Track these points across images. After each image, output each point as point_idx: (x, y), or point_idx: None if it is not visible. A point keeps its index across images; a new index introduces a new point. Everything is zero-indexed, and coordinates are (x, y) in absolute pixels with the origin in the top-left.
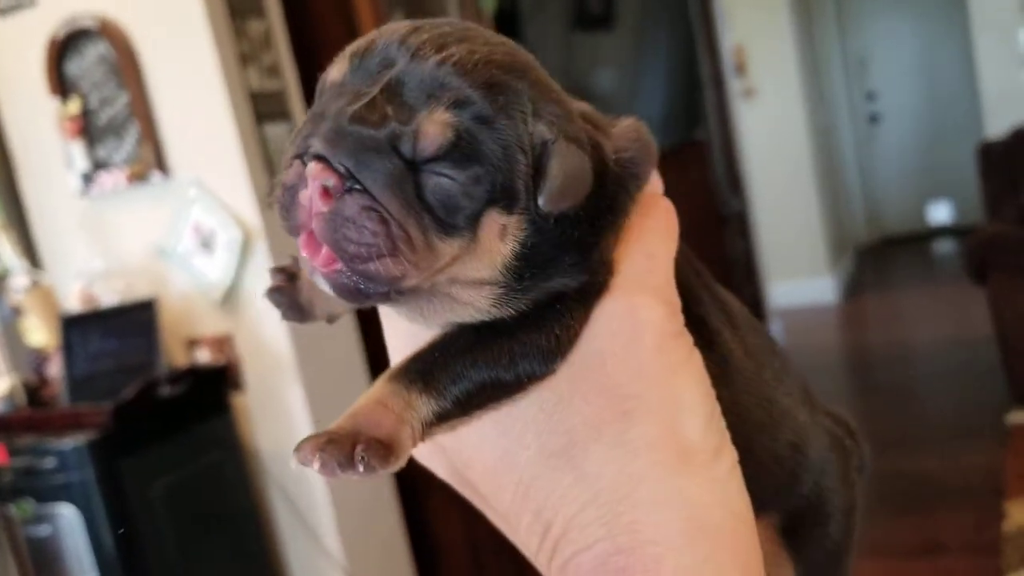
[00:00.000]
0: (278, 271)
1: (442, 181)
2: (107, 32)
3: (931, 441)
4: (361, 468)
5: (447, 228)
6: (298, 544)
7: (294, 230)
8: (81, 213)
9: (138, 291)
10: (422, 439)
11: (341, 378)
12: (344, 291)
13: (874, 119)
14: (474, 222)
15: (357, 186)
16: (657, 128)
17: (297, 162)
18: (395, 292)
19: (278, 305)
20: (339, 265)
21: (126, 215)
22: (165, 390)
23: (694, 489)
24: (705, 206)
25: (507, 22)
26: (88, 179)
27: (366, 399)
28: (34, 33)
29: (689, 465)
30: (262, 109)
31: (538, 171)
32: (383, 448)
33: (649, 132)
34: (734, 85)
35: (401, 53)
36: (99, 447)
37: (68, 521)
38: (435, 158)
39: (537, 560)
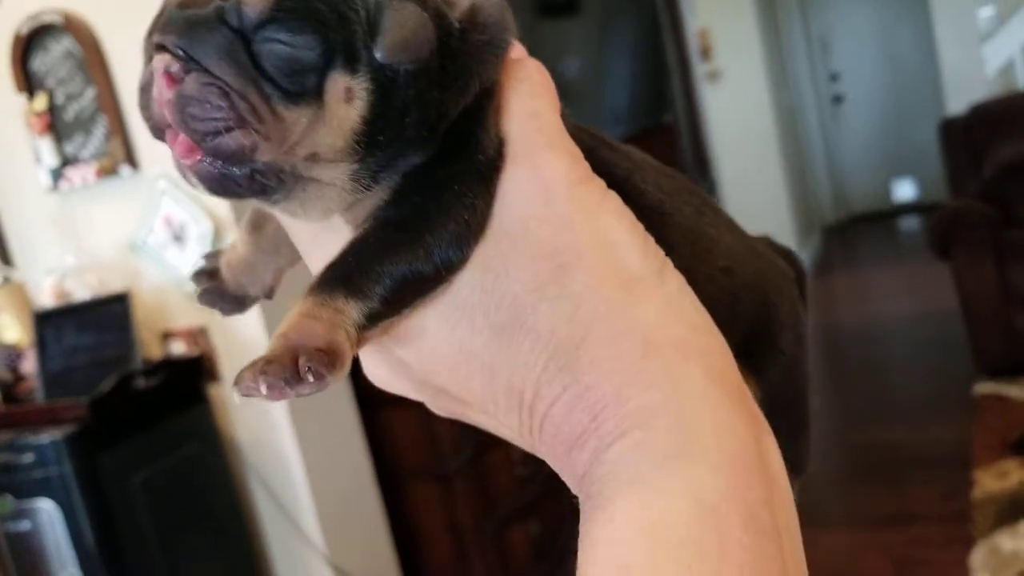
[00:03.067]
0: (198, 275)
1: (275, 47)
2: (72, 27)
3: (900, 413)
4: (311, 378)
5: (290, 96)
6: (279, 533)
7: (157, 131)
8: (51, 209)
9: (111, 285)
10: (358, 344)
11: None
12: (210, 180)
13: (838, 100)
14: (318, 87)
15: (196, 66)
16: (625, 114)
17: (147, 65)
18: (259, 175)
19: (212, 305)
20: (199, 154)
21: (97, 210)
22: (141, 383)
23: (647, 313)
24: None
25: None
26: (57, 175)
27: (292, 316)
28: None
29: (635, 292)
30: None
31: (373, 28)
32: (325, 355)
33: (507, 9)
34: (699, 69)
35: None
36: (77, 441)
37: (47, 516)
38: (262, 23)
39: (522, 439)
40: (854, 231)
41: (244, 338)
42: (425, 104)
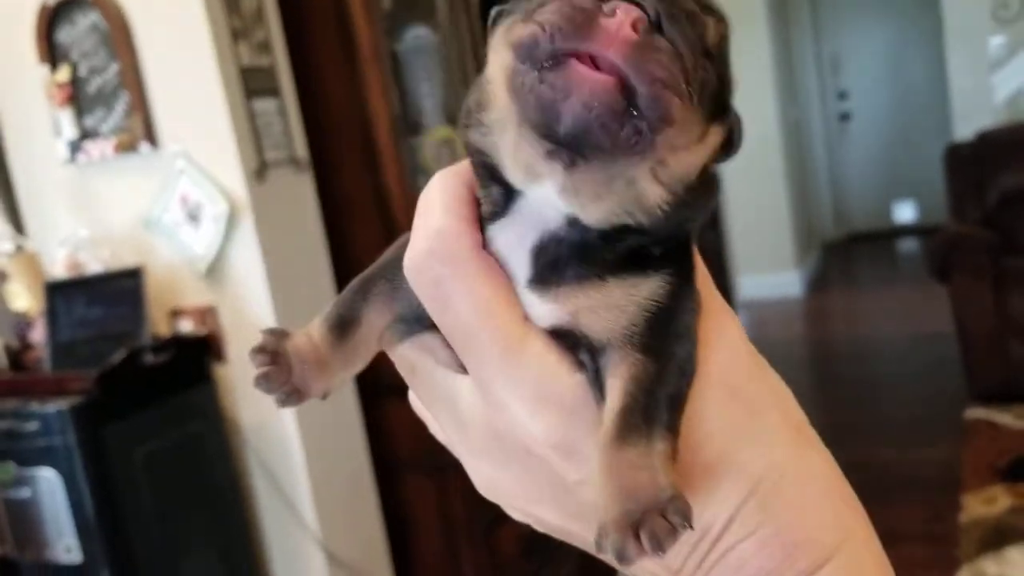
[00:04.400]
0: (260, 352)
1: (709, 75)
2: (100, 2)
3: (891, 433)
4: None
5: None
6: (275, 515)
7: (559, 52)
8: (67, 181)
9: (123, 260)
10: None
11: None
12: (602, 114)
13: (845, 118)
14: (709, 123)
15: (662, 37)
16: None
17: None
18: (620, 139)
19: (269, 391)
20: (614, 88)
21: (113, 185)
22: (149, 358)
23: (817, 461)
24: None
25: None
26: (75, 147)
27: (613, 472)
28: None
29: (806, 439)
30: (252, 84)
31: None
32: (681, 511)
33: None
34: None
35: None
36: (82, 412)
37: (49, 484)
38: (710, 53)
39: (678, 569)
40: (853, 249)
41: (252, 319)
42: (693, 210)
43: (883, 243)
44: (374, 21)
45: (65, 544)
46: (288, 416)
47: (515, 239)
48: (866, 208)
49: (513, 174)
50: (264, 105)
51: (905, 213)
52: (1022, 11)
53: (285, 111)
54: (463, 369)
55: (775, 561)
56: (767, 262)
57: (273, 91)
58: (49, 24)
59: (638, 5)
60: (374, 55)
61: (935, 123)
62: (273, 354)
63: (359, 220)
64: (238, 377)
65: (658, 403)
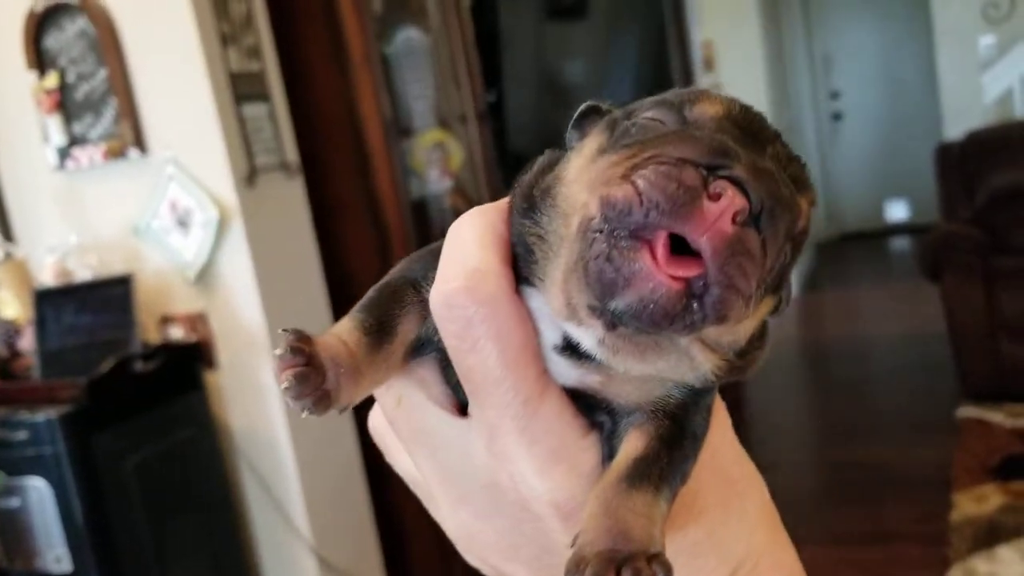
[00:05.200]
0: (294, 352)
1: (784, 262)
2: (88, 8)
3: (882, 433)
4: None
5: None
6: (267, 521)
7: (646, 226)
8: (56, 188)
9: (112, 267)
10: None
11: None
12: (658, 314)
13: (837, 117)
14: (765, 296)
15: (757, 230)
16: None
17: (699, 170)
18: (685, 328)
19: (300, 397)
20: (681, 291)
21: (102, 191)
22: (139, 366)
23: (788, 551)
24: None
25: (483, 11)
26: (64, 154)
27: (611, 510)
28: (13, 5)
29: (779, 527)
30: (241, 90)
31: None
32: (665, 568)
33: None
34: (702, 79)
35: (767, 136)
36: (72, 421)
37: (38, 494)
38: (793, 238)
39: None
40: (845, 248)
41: (243, 327)
42: (757, 351)
43: (875, 242)
44: (365, 24)
45: (55, 554)
46: (279, 422)
47: (548, 313)
48: (858, 207)
49: (552, 301)
50: (254, 110)
51: (897, 212)
52: (1012, 11)
53: (275, 116)
54: (458, 410)
55: None
56: None
57: (263, 96)
58: (37, 30)
59: (744, 193)
60: (365, 58)
61: (926, 123)
62: (308, 356)
63: (350, 224)
64: (229, 384)
65: (673, 467)
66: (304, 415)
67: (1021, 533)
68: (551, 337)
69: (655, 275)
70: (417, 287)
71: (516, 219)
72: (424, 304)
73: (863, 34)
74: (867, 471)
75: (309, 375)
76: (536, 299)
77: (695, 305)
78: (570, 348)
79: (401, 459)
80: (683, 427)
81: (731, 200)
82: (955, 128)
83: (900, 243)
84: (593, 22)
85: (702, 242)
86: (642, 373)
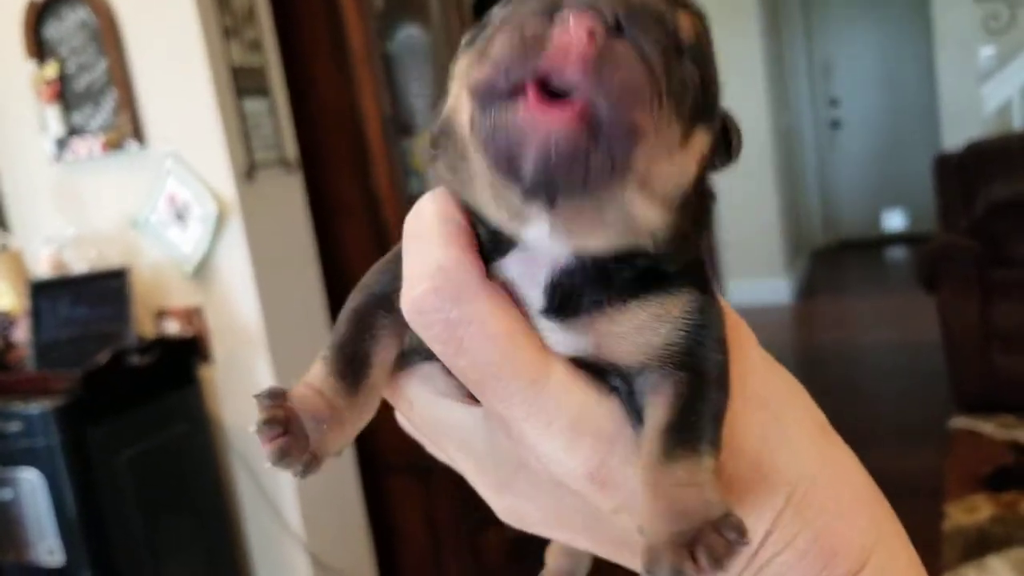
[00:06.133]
0: (270, 423)
1: (688, 69)
2: None
3: (875, 441)
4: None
5: (683, 116)
6: (259, 518)
7: (514, 87)
8: (54, 179)
9: (109, 259)
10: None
11: (309, 354)
12: (565, 155)
13: (836, 125)
14: (691, 127)
15: (624, 40)
16: None
17: (539, 17)
18: (601, 168)
19: (289, 466)
20: (573, 123)
21: (100, 183)
22: (135, 359)
23: (845, 461)
24: None
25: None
26: (62, 145)
27: (659, 491)
28: None
29: (830, 439)
30: (243, 84)
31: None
32: (736, 527)
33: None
34: None
35: None
36: (66, 413)
37: (31, 486)
38: (683, 49)
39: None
40: (842, 257)
41: (239, 322)
42: (704, 206)
43: (872, 251)
44: (366, 21)
45: (47, 546)
46: None
47: (525, 273)
48: (856, 216)
49: (498, 219)
50: (254, 105)
51: (894, 221)
52: (1012, 22)
53: (275, 111)
54: (471, 398)
55: (814, 570)
56: (756, 268)
57: (264, 91)
58: (37, 19)
59: (593, 10)
60: (366, 55)
61: (925, 132)
62: (284, 422)
63: (349, 222)
64: (223, 379)
65: (703, 419)
66: (298, 477)
67: (1011, 543)
68: (535, 302)
69: (537, 118)
70: (387, 303)
71: (444, 179)
72: (398, 318)
73: (863, 41)
74: None
75: (290, 447)
76: (511, 268)
77: (601, 138)
78: (555, 306)
79: (433, 449)
80: (700, 373)
81: (578, 21)
82: (954, 138)
83: (897, 252)
84: None
85: (568, 73)
86: (600, 249)
